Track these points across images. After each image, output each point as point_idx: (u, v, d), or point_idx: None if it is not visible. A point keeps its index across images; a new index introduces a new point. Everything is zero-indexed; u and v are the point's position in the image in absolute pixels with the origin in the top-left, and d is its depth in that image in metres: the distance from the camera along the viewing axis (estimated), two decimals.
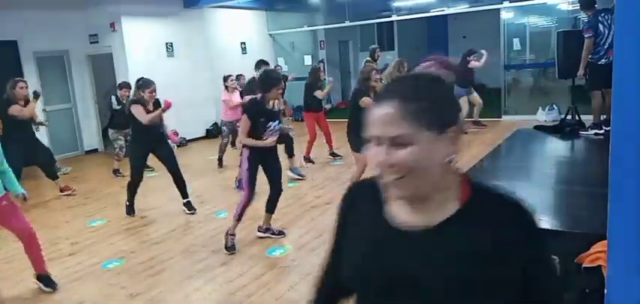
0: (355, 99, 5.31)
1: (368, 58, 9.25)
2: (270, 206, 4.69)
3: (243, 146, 4.46)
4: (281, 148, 5.27)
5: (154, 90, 5.44)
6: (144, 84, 5.44)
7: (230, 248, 4.45)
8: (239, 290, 3.76)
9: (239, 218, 4.51)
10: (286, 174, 6.65)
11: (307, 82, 7.71)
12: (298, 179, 6.84)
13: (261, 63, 7.63)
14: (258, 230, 4.75)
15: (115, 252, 4.72)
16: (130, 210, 5.80)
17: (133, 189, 5.75)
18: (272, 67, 7.71)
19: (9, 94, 6.20)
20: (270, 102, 4.36)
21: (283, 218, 5.39)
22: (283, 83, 6.93)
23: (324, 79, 8.42)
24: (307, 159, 7.72)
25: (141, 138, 5.53)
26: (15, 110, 6.13)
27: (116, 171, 7.95)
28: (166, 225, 5.40)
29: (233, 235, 4.50)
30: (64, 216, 6.04)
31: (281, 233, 4.78)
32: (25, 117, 6.26)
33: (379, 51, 9.43)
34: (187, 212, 5.69)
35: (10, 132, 6.01)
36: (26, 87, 6.34)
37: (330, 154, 7.99)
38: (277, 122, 4.35)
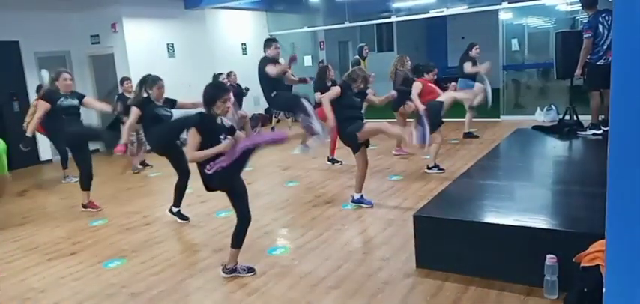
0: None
1: (356, 56, 9.32)
2: (239, 235, 3.91)
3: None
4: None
5: (162, 87, 5.19)
6: (154, 81, 5.14)
7: (250, 270, 3.97)
8: (239, 289, 3.77)
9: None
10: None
11: (315, 83, 7.51)
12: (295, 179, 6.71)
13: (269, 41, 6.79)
14: (223, 271, 4.00)
15: (116, 252, 4.74)
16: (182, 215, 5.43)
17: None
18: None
19: (52, 87, 5.86)
20: (219, 117, 3.77)
21: (283, 218, 5.42)
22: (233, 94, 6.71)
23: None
24: (333, 160, 7.48)
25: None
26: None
27: (133, 168, 8.03)
28: (167, 225, 5.42)
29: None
30: (65, 215, 6.05)
31: (251, 270, 4.02)
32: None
33: (367, 49, 9.45)
34: (179, 221, 5.43)
35: (57, 124, 5.89)
36: (71, 80, 5.90)
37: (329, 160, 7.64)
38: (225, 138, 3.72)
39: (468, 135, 8.70)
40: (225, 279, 3.94)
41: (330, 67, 7.57)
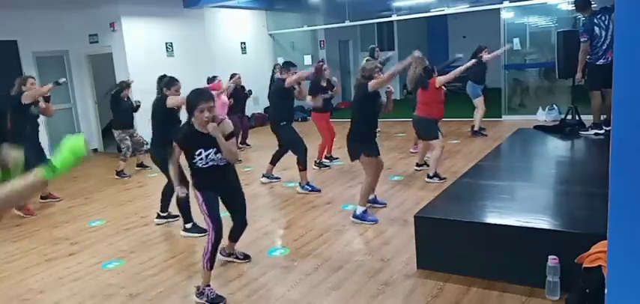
0: (356, 97, 4.95)
1: (368, 58, 9.22)
2: (236, 234, 4.05)
3: (192, 175, 3.65)
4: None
5: (180, 89, 5.06)
6: (170, 81, 5.06)
7: (215, 300, 3.56)
8: (239, 290, 3.75)
9: (211, 264, 3.57)
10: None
11: (311, 81, 7.27)
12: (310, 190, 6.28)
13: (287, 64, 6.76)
14: (221, 253, 4.07)
15: (115, 252, 4.72)
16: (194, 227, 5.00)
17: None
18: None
19: (19, 91, 5.98)
20: (202, 126, 3.46)
21: (283, 218, 5.39)
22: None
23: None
24: (324, 163, 7.39)
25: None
26: (28, 95, 5.87)
27: (121, 172, 7.93)
28: (166, 225, 5.38)
29: (209, 285, 3.60)
30: (64, 216, 6.03)
31: (246, 257, 4.27)
32: (41, 94, 6.02)
33: (379, 50, 9.42)
34: (157, 222, 5.39)
35: (21, 130, 5.87)
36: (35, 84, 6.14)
37: (318, 163, 7.55)
38: (213, 150, 3.49)
39: (477, 133, 8.73)
40: (225, 280, 3.91)
41: (324, 65, 7.37)
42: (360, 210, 4.99)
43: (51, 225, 5.71)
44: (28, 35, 9.05)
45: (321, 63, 7.60)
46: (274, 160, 6.74)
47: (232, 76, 9.14)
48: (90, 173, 8.38)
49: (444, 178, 6.08)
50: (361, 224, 4.93)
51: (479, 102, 8.68)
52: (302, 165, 6.23)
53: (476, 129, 8.80)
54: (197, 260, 4.31)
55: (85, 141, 1.83)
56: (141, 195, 6.82)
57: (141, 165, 8.26)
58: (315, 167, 7.37)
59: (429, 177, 6.19)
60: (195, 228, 4.96)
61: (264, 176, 6.86)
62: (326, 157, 7.60)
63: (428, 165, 6.47)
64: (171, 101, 4.99)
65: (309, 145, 6.49)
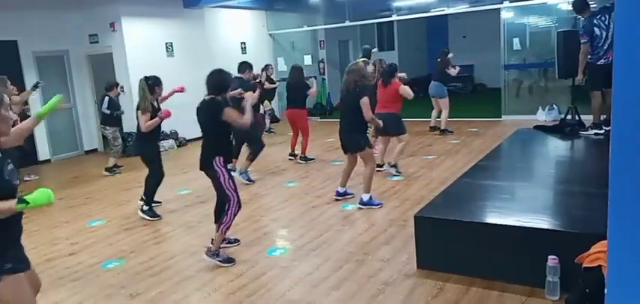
0: (358, 97, 5.11)
1: (364, 58, 9.28)
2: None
3: (217, 156, 4.10)
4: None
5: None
6: (156, 82, 5.46)
7: (227, 261, 4.20)
8: (239, 290, 3.75)
9: (229, 229, 4.25)
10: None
11: (290, 82, 7.73)
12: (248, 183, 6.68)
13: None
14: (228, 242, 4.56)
15: (115, 252, 4.72)
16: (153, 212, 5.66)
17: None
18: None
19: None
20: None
21: (283, 218, 5.39)
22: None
23: (310, 78, 8.65)
24: (305, 158, 7.70)
25: (154, 137, 5.64)
26: (16, 102, 6.06)
27: (111, 169, 8.05)
28: (166, 225, 5.40)
29: (221, 247, 4.28)
30: (64, 216, 6.03)
31: (237, 240, 4.63)
32: (18, 103, 6.21)
33: (372, 50, 9.57)
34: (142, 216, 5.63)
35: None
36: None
37: (294, 156, 7.91)
38: None
39: (446, 131, 9.15)
40: (225, 280, 3.92)
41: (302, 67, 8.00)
42: (366, 196, 5.32)
43: (51, 225, 5.71)
44: (29, 35, 9.06)
45: (321, 62, 7.79)
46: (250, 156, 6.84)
47: (266, 67, 9.50)
48: (90, 173, 8.38)
49: (400, 173, 6.52)
50: (360, 224, 4.95)
51: (445, 102, 9.00)
52: (252, 158, 6.68)
53: (442, 128, 9.14)
54: (197, 261, 4.33)
55: (53, 195, 2.32)
56: (140, 195, 6.81)
57: (116, 166, 8.31)
58: (300, 162, 7.59)
59: (390, 165, 6.56)
60: (152, 212, 5.59)
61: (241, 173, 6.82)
62: (300, 156, 7.72)
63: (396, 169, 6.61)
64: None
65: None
